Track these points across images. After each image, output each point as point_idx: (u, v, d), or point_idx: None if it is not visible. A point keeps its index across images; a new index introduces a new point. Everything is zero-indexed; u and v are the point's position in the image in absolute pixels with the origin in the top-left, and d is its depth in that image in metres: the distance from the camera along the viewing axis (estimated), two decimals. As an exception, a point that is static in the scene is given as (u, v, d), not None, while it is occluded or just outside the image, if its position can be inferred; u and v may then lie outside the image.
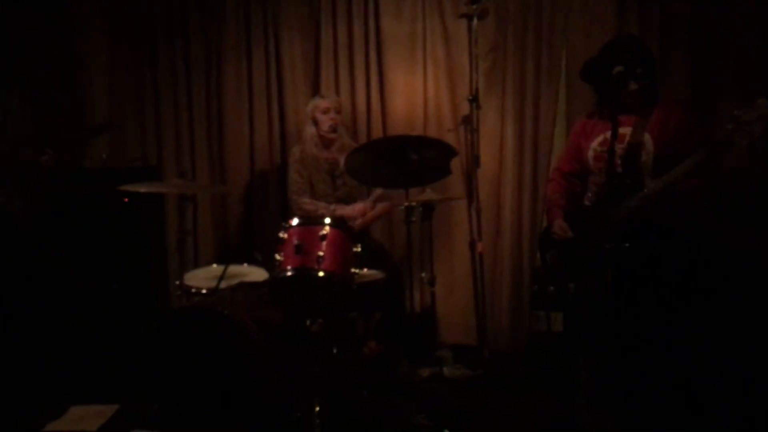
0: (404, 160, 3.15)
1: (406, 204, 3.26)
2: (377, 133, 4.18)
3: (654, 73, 2.73)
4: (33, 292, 3.68)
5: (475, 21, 3.89)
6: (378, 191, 3.81)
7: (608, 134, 2.63)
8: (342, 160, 3.58)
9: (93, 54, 4.45)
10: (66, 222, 3.85)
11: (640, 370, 2.64)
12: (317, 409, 2.78)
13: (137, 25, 4.41)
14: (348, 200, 3.88)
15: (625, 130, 2.71)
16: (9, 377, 3.31)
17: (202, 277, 3.42)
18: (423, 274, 3.49)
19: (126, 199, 3.76)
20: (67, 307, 3.75)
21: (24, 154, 3.42)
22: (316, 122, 3.84)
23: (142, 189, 3.18)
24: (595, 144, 2.83)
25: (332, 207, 3.77)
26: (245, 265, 3.55)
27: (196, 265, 4.20)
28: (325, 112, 3.80)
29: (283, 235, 3.01)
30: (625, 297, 2.60)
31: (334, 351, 3.07)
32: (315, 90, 4.25)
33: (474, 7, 3.87)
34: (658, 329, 2.64)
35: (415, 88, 4.13)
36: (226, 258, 3.75)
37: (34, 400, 3.19)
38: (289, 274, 2.94)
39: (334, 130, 3.81)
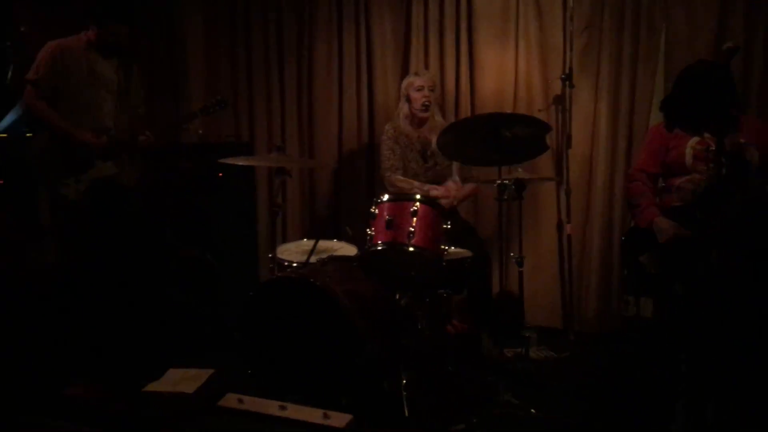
0: (497, 138, 3.11)
1: (499, 182, 3.22)
2: (465, 111, 4.15)
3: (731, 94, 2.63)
4: (141, 257, 3.86)
5: (571, -3, 3.80)
6: (456, 166, 3.73)
7: (705, 134, 2.64)
8: (434, 140, 3.56)
9: (190, 34, 4.59)
10: (167, 194, 4.04)
11: (747, 369, 2.54)
12: (404, 381, 2.80)
13: (232, 5, 4.51)
14: (439, 181, 3.83)
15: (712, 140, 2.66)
16: (114, 338, 3.49)
17: (293, 251, 3.49)
18: (511, 254, 3.45)
19: (220, 174, 3.90)
20: (168, 273, 3.94)
21: (139, 129, 3.59)
22: (409, 100, 3.81)
23: (240, 162, 3.28)
24: (692, 143, 2.81)
25: (426, 187, 3.72)
26: (335, 240, 3.60)
27: (285, 238, 4.29)
28: (419, 89, 3.76)
29: (374, 209, 3.03)
30: (740, 292, 2.53)
31: (418, 326, 3.09)
32: (404, 68, 4.25)
33: (570, -18, 3.79)
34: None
35: (506, 66, 4.07)
36: (313, 232, 3.85)
37: (137, 361, 3.35)
38: (379, 248, 2.96)
39: (426, 108, 3.76)
